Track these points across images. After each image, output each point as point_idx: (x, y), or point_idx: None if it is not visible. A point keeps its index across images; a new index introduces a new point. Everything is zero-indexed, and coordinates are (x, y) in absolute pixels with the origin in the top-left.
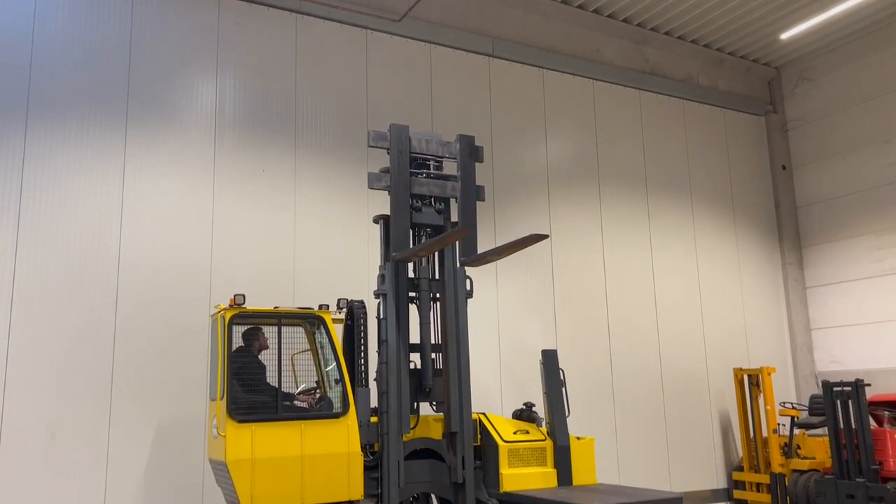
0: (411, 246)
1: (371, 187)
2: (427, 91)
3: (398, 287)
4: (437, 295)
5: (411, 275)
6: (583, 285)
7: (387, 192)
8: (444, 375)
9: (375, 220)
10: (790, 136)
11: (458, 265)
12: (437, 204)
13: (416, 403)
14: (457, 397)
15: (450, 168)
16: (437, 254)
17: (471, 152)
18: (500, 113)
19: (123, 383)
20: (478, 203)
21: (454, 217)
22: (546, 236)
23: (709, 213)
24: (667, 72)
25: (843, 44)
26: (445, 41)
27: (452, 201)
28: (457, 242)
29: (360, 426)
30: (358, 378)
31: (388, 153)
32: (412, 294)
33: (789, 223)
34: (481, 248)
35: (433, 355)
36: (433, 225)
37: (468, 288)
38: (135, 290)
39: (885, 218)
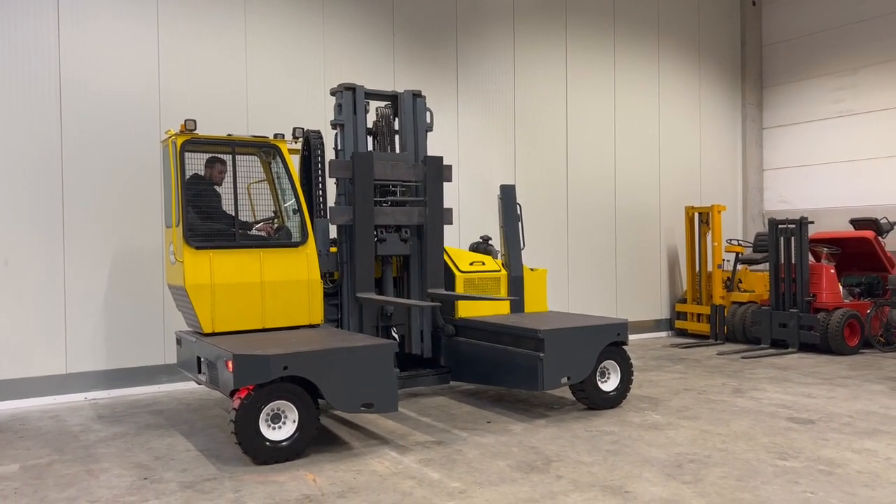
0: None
1: (333, 223)
2: None
3: (356, 117)
4: (397, 127)
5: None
6: (544, 121)
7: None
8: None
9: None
10: None
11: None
12: (403, 232)
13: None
14: (418, 320)
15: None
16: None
17: (438, 175)
18: None
19: (75, 210)
20: (440, 32)
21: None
22: (508, 300)
23: (674, 52)
24: None
25: None
26: None
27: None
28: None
29: (319, 255)
30: (316, 209)
31: (352, 183)
32: (370, 127)
33: (753, 62)
34: (442, 85)
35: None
36: (399, 255)
37: (428, 121)
38: (79, 117)
39: (851, 58)
